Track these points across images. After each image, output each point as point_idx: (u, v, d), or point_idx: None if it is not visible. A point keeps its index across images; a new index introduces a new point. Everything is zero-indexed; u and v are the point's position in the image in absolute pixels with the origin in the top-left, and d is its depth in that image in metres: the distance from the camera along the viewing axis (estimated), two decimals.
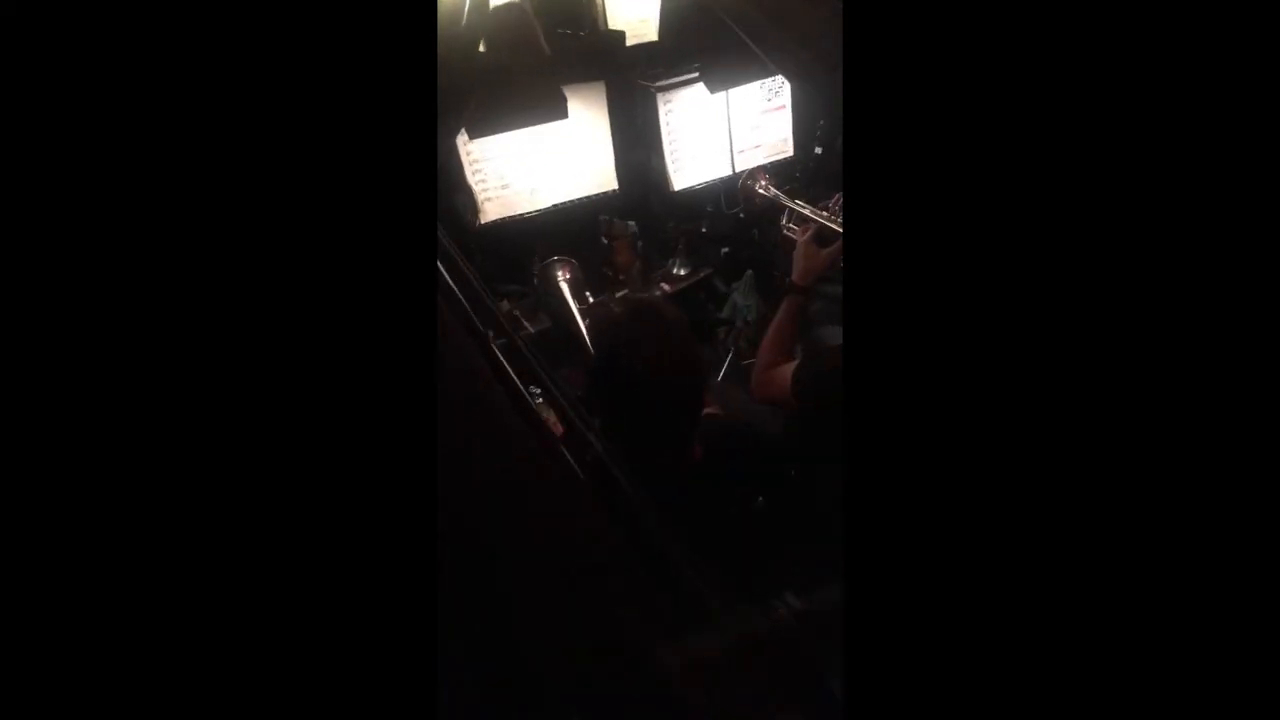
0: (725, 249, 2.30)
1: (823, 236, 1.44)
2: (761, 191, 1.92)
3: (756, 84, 2.02)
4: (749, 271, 2.20)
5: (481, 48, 1.36)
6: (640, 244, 2.16)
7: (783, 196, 1.79)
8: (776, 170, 2.11)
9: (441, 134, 1.38)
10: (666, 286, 2.19)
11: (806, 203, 1.61)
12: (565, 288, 1.54)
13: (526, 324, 1.90)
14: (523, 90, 1.51)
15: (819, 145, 2.24)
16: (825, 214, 1.49)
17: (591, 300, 1.59)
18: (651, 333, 0.96)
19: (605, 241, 2.09)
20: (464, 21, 1.11)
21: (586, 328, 1.45)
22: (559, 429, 0.91)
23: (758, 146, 2.13)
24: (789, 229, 1.63)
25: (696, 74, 1.84)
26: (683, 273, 2.24)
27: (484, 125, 1.57)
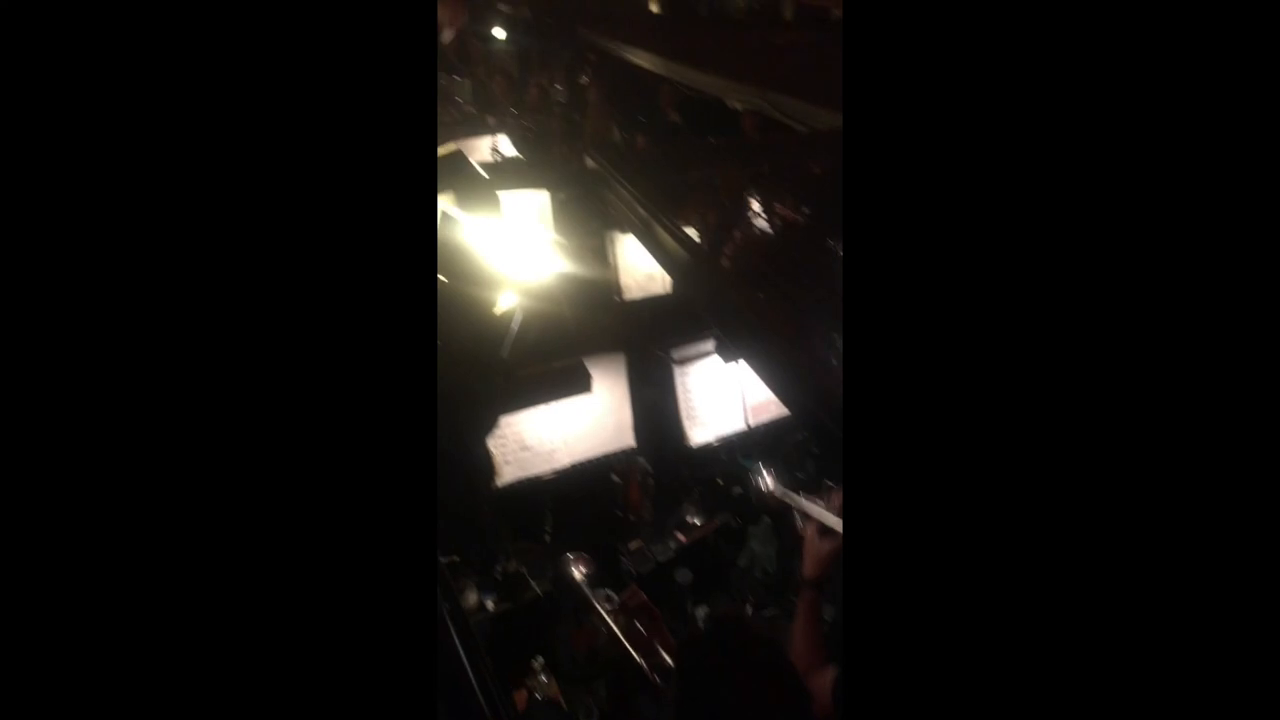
0: (739, 491, 2.27)
1: (825, 529, 1.46)
2: (766, 490, 1.99)
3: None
4: (765, 518, 2.14)
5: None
6: (652, 482, 2.14)
7: (789, 495, 1.87)
8: (789, 424, 2.16)
9: (476, 430, 1.43)
10: (681, 536, 2.13)
11: (808, 495, 1.66)
12: (586, 588, 1.47)
13: (534, 583, 1.82)
14: (550, 372, 1.60)
15: None
16: (823, 505, 1.52)
17: (616, 600, 1.50)
18: (746, 668, 0.91)
19: (616, 480, 2.08)
20: (505, 352, 1.20)
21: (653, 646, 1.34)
22: None
23: (770, 400, 2.21)
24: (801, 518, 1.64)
25: (711, 345, 1.97)
26: (697, 521, 2.18)
27: (511, 402, 1.64)
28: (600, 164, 1.82)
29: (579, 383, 1.67)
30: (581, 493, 1.98)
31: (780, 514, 2.09)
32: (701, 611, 2.00)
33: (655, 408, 2.07)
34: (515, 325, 1.17)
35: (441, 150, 1.30)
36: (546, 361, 1.67)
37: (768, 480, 1.97)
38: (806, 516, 1.58)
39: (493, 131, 2.94)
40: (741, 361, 2.09)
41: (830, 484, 2.34)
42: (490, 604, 1.80)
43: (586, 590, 1.46)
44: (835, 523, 1.46)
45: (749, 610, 2.01)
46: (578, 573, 1.48)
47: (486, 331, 1.12)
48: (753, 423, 2.16)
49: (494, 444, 1.81)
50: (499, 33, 4.42)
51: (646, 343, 2.00)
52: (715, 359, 1.99)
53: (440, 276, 0.99)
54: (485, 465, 1.79)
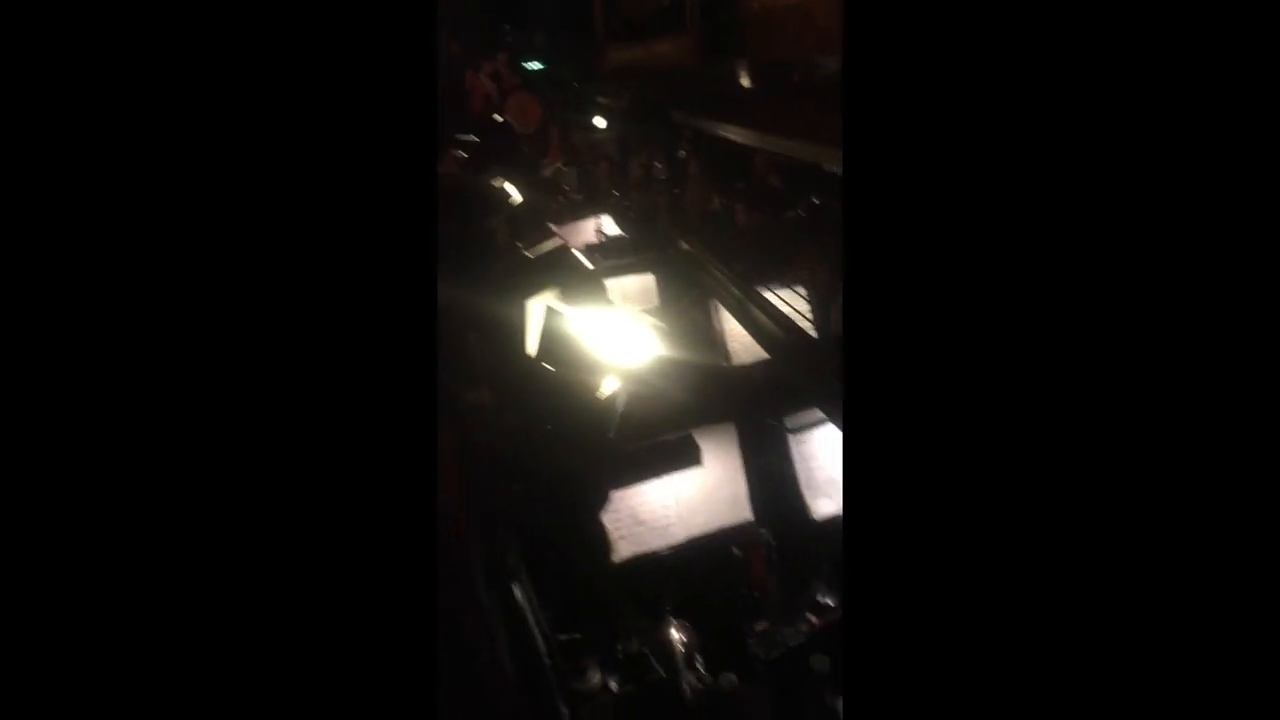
0: None
1: None
2: None
3: None
4: None
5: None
6: (776, 557, 2.03)
7: None
8: None
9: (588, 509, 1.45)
10: (813, 619, 1.97)
11: None
12: (681, 656, 1.40)
13: (656, 664, 1.76)
14: (657, 445, 1.59)
15: None
16: None
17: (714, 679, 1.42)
18: None
19: (737, 553, 2.00)
20: (612, 433, 1.23)
21: None
22: None
23: None
24: None
25: (822, 415, 1.88)
26: (830, 602, 2.02)
27: (621, 477, 1.65)
28: (696, 243, 1.87)
29: (688, 455, 1.65)
30: (702, 569, 1.92)
31: None
32: (839, 704, 1.82)
33: (773, 478, 1.99)
34: (620, 405, 1.19)
35: (548, 244, 1.39)
36: (654, 437, 1.67)
37: None
38: None
39: (597, 215, 3.13)
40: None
41: None
42: (614, 684, 1.76)
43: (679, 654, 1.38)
44: None
45: None
46: (678, 638, 1.42)
47: (592, 415, 1.16)
48: None
49: (608, 519, 1.81)
50: (599, 122, 4.77)
51: (758, 412, 1.95)
52: (833, 427, 1.89)
53: (546, 365, 1.04)
54: (600, 541, 1.80)
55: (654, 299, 2.47)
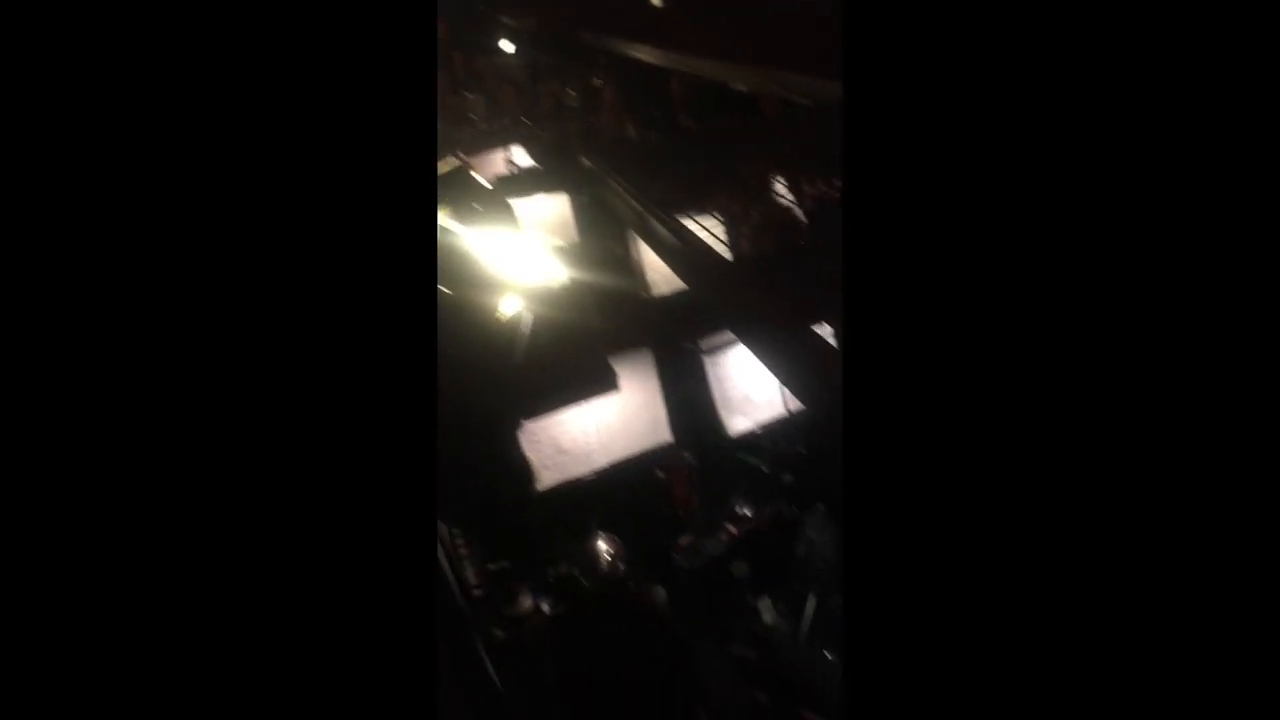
0: (789, 479, 2.21)
1: None
2: None
3: None
4: (819, 505, 2.07)
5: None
6: (696, 477, 2.11)
7: None
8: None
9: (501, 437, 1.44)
10: (732, 529, 2.08)
11: None
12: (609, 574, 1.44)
13: (586, 583, 1.82)
14: (573, 371, 1.59)
15: None
16: None
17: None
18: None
19: (660, 475, 2.06)
20: (518, 358, 1.20)
21: None
22: None
23: None
24: None
25: (734, 336, 1.92)
26: (748, 513, 2.13)
27: (538, 405, 1.64)
28: (601, 164, 1.81)
29: (604, 381, 1.66)
30: (625, 492, 1.97)
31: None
32: (764, 603, 1.95)
33: (690, 401, 2.03)
34: (525, 329, 1.16)
35: (443, 167, 1.31)
36: (569, 364, 1.66)
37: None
38: None
39: (506, 145, 2.98)
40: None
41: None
42: (546, 607, 1.81)
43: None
44: None
45: (812, 605, 1.94)
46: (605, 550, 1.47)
47: (494, 339, 1.12)
48: (793, 408, 2.09)
49: (530, 449, 1.82)
50: (506, 46, 4.47)
51: (674, 337, 1.97)
52: (744, 348, 1.94)
53: (441, 287, 0.99)
54: (524, 471, 1.80)
55: (572, 231, 2.41)
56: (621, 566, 1.57)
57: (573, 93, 3.97)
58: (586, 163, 1.73)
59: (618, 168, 2.33)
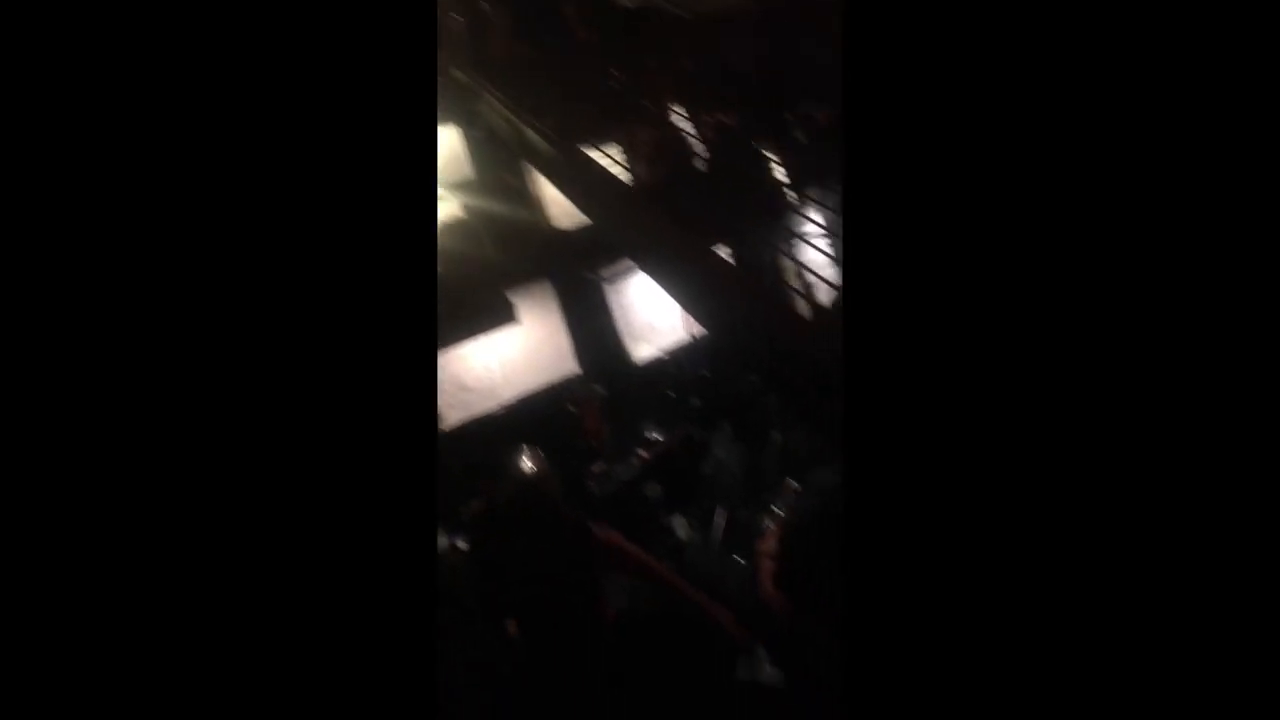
0: (696, 402, 2.29)
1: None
2: None
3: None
4: (726, 424, 2.16)
5: None
6: (607, 408, 2.14)
7: None
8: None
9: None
10: (644, 453, 2.15)
11: None
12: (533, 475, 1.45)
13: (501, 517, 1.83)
14: (477, 305, 1.56)
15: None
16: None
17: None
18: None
19: (571, 409, 2.08)
20: None
21: None
22: None
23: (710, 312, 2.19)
24: None
25: (634, 264, 1.93)
26: (658, 437, 2.20)
27: (446, 340, 1.60)
28: (495, 95, 1.72)
29: (502, 313, 1.63)
30: (535, 425, 1.98)
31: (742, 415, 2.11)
32: (678, 520, 2.04)
33: (594, 331, 2.05)
34: None
35: None
36: (468, 299, 1.62)
37: None
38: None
39: None
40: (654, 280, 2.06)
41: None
42: (461, 544, 1.82)
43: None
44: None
45: (723, 518, 2.05)
46: (527, 464, 1.48)
47: None
48: (695, 334, 2.15)
49: None
50: None
51: (575, 268, 1.96)
52: (642, 276, 1.96)
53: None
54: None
55: (465, 166, 2.30)
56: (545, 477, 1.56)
57: (458, 17, 3.70)
58: (482, 94, 1.64)
59: (512, 97, 2.23)
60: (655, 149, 2.27)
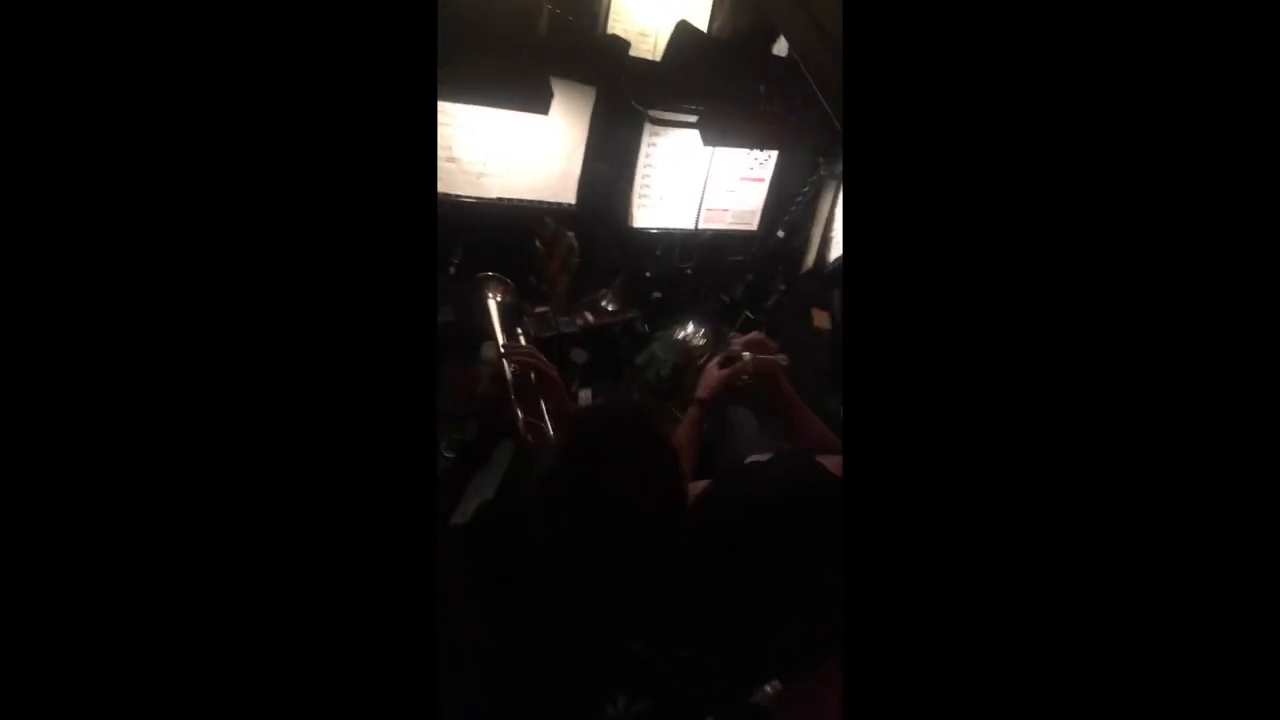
0: (658, 295, 2.19)
1: (728, 359, 1.52)
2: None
3: (745, 150, 1.93)
4: (677, 327, 2.10)
5: None
6: (575, 261, 1.99)
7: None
8: (733, 242, 2.03)
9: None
10: (590, 316, 2.03)
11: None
12: (495, 313, 1.29)
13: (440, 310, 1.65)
14: (509, 68, 1.29)
15: (782, 230, 2.20)
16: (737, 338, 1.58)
17: (522, 337, 1.36)
18: (635, 456, 0.90)
19: (538, 245, 1.90)
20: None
21: (516, 374, 1.21)
22: None
23: (726, 210, 2.04)
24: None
25: (695, 118, 1.71)
26: (611, 308, 2.08)
27: (457, 88, 1.32)
28: None
29: (536, 98, 1.37)
30: (500, 236, 1.77)
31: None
32: (584, 394, 1.97)
33: (609, 172, 1.83)
34: None
35: None
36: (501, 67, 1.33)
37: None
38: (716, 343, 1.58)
39: None
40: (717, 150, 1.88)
41: (750, 316, 2.32)
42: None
43: (495, 316, 1.30)
44: (739, 352, 1.51)
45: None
46: (492, 299, 1.31)
47: None
48: (702, 225, 2.00)
49: None
50: None
51: (625, 89, 1.69)
52: (695, 136, 1.75)
53: None
54: None
55: None
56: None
57: None
58: None
59: None
60: None
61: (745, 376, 1.47)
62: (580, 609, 0.87)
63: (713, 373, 1.51)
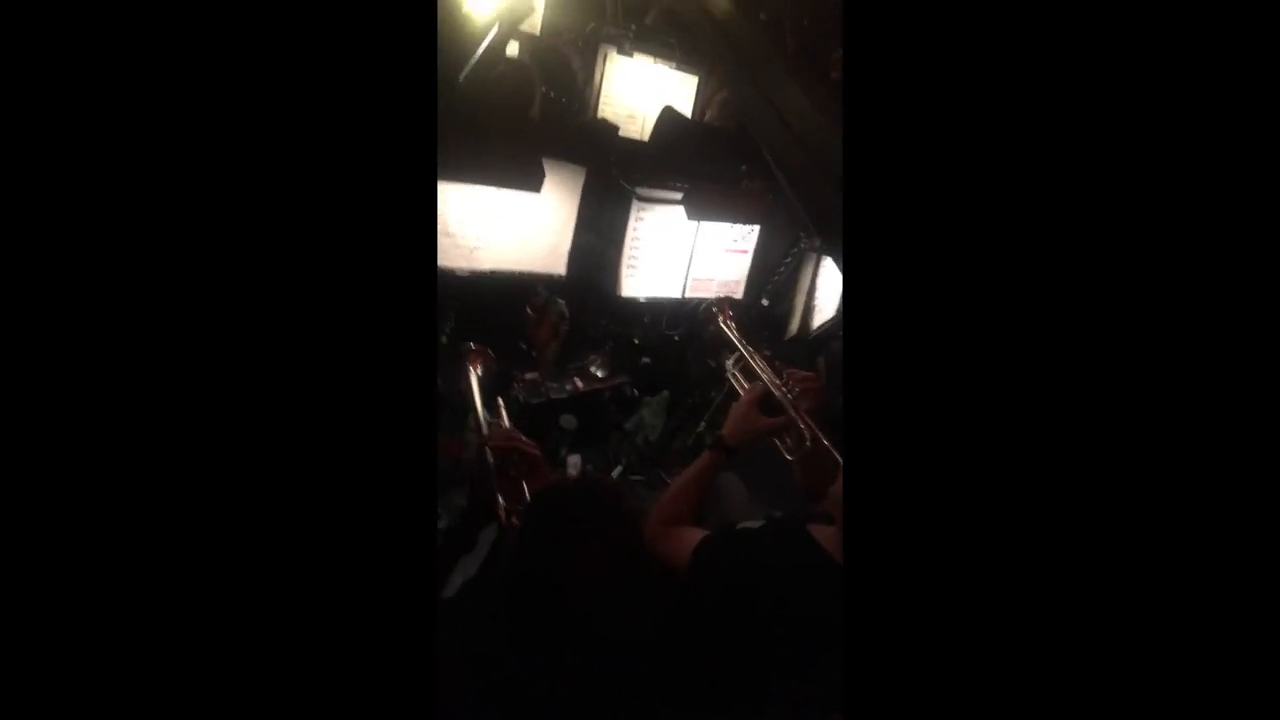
0: (646, 360, 2.23)
1: (769, 403, 1.30)
2: (725, 327, 1.60)
3: (728, 224, 2.03)
4: (665, 392, 2.13)
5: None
6: (565, 328, 2.04)
7: (742, 341, 1.50)
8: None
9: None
10: (580, 383, 2.06)
11: (762, 359, 1.42)
12: (475, 386, 1.31)
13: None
14: (504, 150, 1.38)
15: (766, 298, 2.28)
16: (779, 383, 1.32)
17: (504, 409, 1.37)
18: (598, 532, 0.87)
19: (529, 312, 1.95)
20: (462, 77, 1.03)
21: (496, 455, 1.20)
22: None
23: (711, 279, 2.12)
24: (734, 375, 1.45)
25: (680, 195, 1.80)
26: (600, 374, 2.12)
27: (455, 168, 1.40)
28: None
29: (529, 177, 1.46)
30: (493, 305, 1.83)
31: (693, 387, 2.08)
32: (574, 459, 1.98)
33: (598, 245, 1.91)
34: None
35: None
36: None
37: (729, 317, 1.62)
38: (751, 378, 1.38)
39: None
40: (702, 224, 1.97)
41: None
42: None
43: (475, 389, 1.32)
44: (778, 391, 1.30)
45: (616, 472, 2.02)
46: (473, 371, 1.34)
47: None
48: (689, 294, 2.07)
49: None
50: None
51: (614, 169, 1.80)
52: (680, 212, 1.84)
53: None
54: None
55: None
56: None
57: None
58: None
59: None
60: None
61: (789, 439, 1.25)
62: (559, 690, 0.84)
63: (753, 420, 1.27)
